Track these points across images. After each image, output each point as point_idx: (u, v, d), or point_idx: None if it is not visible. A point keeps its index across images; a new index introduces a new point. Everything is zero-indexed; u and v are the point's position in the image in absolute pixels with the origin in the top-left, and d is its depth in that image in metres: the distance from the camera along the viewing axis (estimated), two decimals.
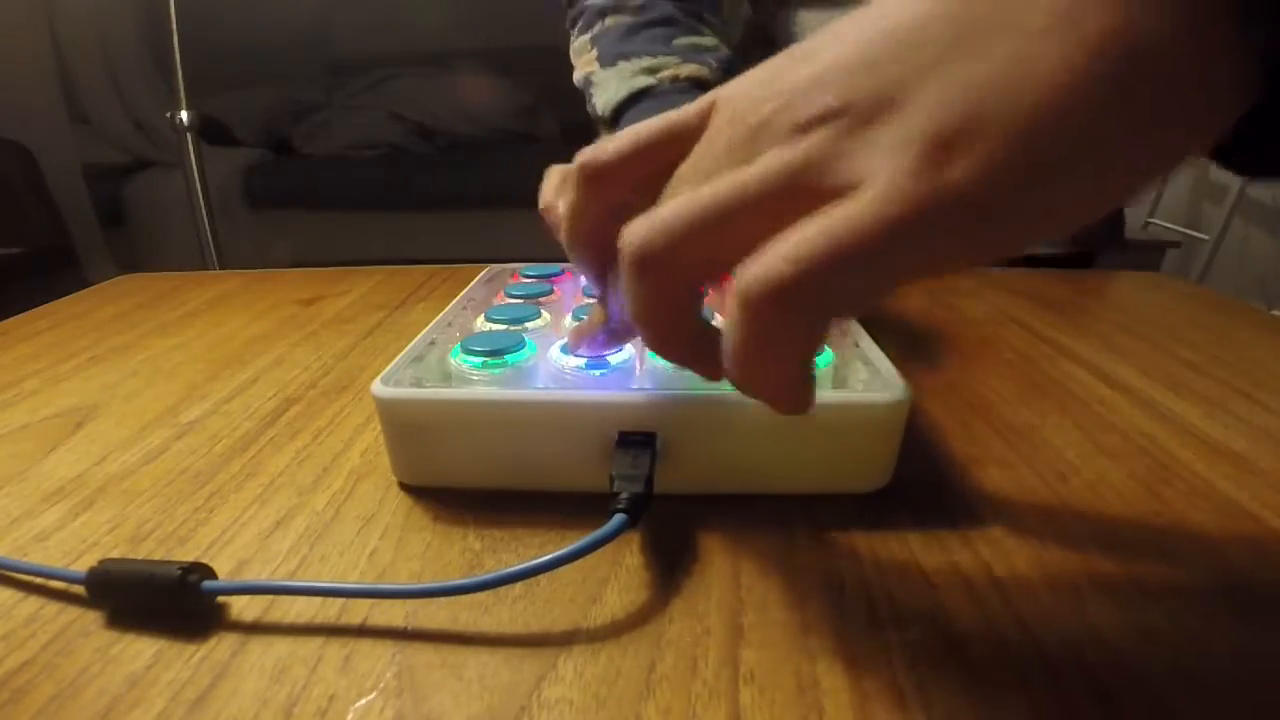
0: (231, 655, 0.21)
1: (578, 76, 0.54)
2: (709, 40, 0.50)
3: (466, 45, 2.24)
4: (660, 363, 0.28)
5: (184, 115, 1.36)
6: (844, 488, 0.28)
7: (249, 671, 0.20)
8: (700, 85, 0.48)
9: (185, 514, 0.28)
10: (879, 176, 0.14)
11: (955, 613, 0.22)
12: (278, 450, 0.33)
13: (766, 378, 0.18)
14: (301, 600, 0.23)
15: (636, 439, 0.26)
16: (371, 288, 0.58)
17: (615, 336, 0.25)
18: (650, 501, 0.25)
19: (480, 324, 0.33)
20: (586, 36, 0.53)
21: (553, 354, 0.30)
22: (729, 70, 0.49)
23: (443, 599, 0.23)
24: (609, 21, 0.52)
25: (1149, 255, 1.87)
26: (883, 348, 0.31)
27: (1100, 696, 0.19)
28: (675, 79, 0.47)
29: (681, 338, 0.20)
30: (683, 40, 0.49)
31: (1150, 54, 0.13)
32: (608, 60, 0.50)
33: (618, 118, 0.50)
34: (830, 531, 0.26)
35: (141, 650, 0.21)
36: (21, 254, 1.78)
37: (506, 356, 0.29)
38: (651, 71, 0.47)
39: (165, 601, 0.22)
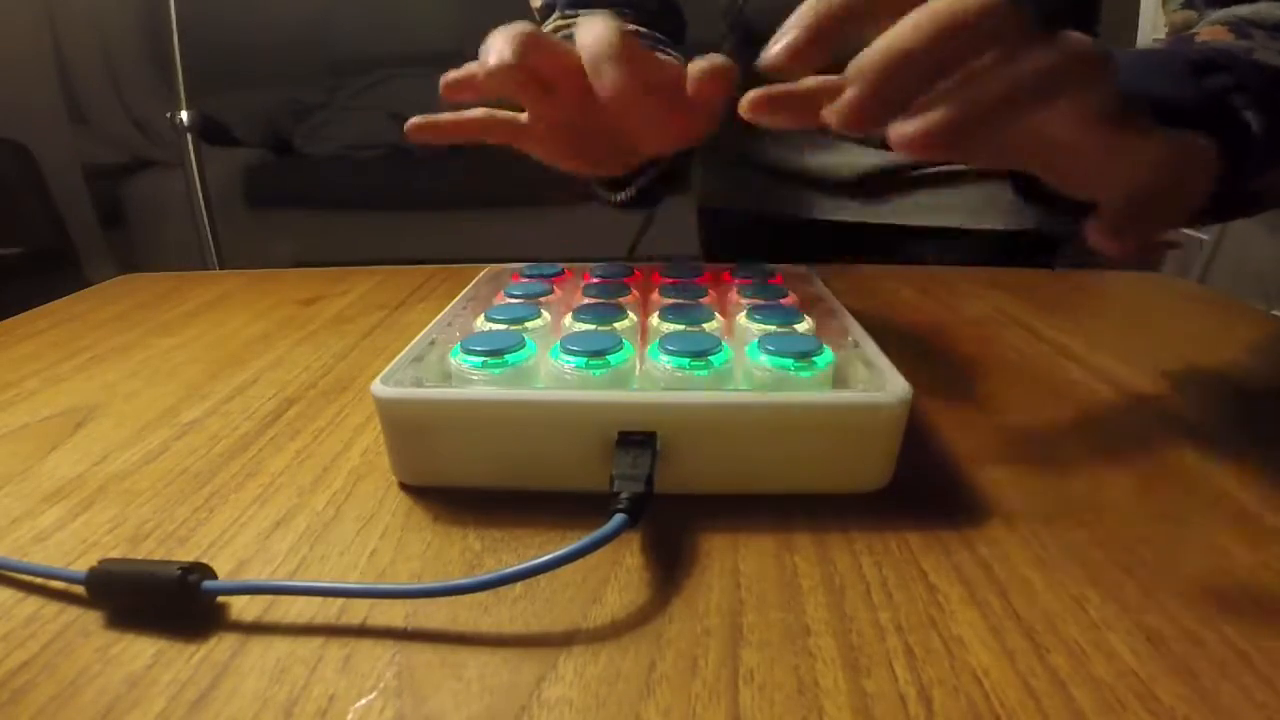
0: (231, 655, 0.21)
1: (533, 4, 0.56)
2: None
3: (466, 45, 2.22)
4: (661, 363, 0.28)
5: (184, 115, 1.36)
6: (844, 488, 0.28)
7: (249, 671, 0.21)
8: None
9: (185, 514, 0.28)
10: None
11: (955, 613, 0.22)
12: (278, 450, 0.33)
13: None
14: (301, 600, 0.23)
15: (636, 439, 0.26)
16: (371, 288, 0.58)
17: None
18: (650, 501, 0.25)
19: (480, 324, 0.33)
20: None
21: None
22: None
23: (443, 599, 0.23)
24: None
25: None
26: (883, 348, 0.31)
27: (1102, 696, 0.19)
28: None
29: None
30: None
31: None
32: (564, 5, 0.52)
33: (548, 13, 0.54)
34: (830, 531, 0.26)
35: (141, 650, 0.21)
36: (21, 254, 1.78)
37: (506, 356, 0.29)
38: None
39: (165, 601, 0.22)
